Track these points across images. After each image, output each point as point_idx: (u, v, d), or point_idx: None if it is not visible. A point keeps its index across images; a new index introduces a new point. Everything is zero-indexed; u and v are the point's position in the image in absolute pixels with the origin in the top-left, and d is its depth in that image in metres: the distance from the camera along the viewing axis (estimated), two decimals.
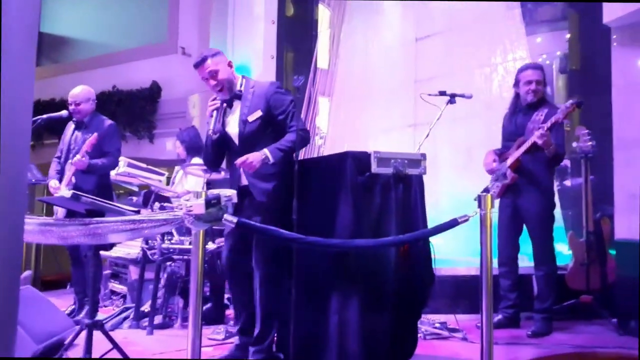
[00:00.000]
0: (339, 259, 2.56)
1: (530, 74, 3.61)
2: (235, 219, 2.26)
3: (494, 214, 2.51)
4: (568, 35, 5.15)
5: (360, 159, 2.57)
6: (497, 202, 3.71)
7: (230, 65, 2.89)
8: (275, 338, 2.85)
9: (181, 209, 2.24)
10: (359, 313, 2.51)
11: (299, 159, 2.71)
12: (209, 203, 2.19)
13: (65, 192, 3.38)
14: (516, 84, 3.71)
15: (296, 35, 6.18)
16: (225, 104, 2.85)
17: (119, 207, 2.54)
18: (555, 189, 4.86)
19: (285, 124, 2.80)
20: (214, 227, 3.63)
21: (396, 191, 2.62)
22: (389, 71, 5.70)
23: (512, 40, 5.07)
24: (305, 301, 2.65)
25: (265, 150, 2.74)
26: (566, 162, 4.99)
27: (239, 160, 2.75)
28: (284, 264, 2.72)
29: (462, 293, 3.93)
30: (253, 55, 5.60)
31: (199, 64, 2.84)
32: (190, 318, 2.17)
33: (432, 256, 2.75)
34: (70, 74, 7.36)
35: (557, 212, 4.66)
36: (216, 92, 2.87)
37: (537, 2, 6.06)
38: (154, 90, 6.73)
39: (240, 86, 2.89)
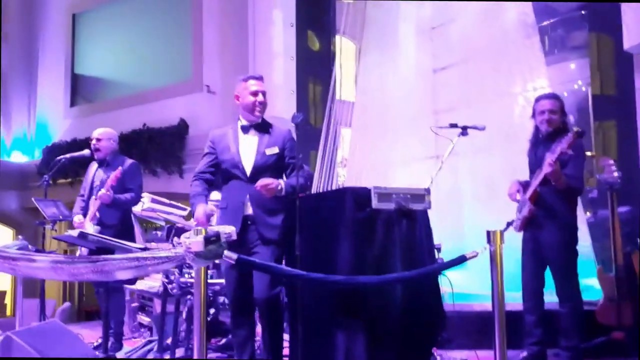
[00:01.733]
0: (342, 295, 2.54)
1: (543, 103, 3.56)
2: (235, 256, 2.28)
3: (508, 249, 2.45)
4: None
5: (360, 195, 2.56)
6: (521, 234, 3.63)
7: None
8: None
9: (182, 246, 2.28)
10: (366, 350, 2.48)
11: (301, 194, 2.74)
12: (208, 240, 2.22)
13: (86, 226, 3.50)
14: (533, 114, 3.66)
15: (319, 68, 6.32)
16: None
17: (125, 244, 2.61)
18: (586, 221, 4.70)
19: (293, 168, 2.92)
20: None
21: (399, 227, 2.59)
22: (408, 103, 5.71)
23: (531, 69, 5.00)
24: (313, 338, 2.63)
25: (282, 182, 2.83)
26: (594, 193, 4.83)
27: (260, 182, 2.79)
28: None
29: (486, 328, 3.79)
30: (274, 90, 5.72)
31: (259, 78, 3.02)
32: (195, 353, 2.19)
33: (442, 292, 2.70)
34: (104, 113, 7.68)
35: (588, 245, 4.49)
36: (257, 109, 2.97)
37: (569, 29, 5.98)
38: (182, 127, 6.94)
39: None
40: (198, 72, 6.99)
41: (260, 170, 2.89)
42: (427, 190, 2.71)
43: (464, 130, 3.55)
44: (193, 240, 2.25)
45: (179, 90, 7.17)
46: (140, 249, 2.82)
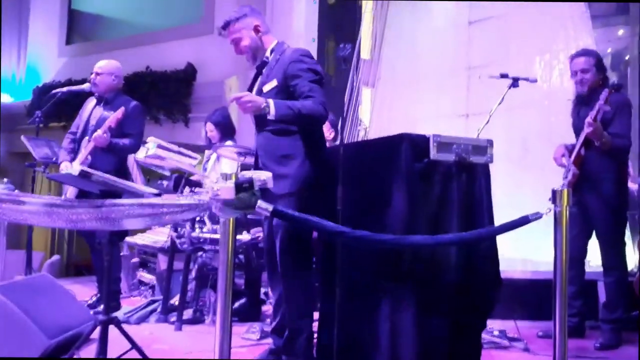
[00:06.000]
0: (390, 256, 2.24)
1: (575, 62, 3.36)
2: (270, 207, 1.95)
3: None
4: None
5: (418, 144, 2.23)
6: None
7: (257, 29, 2.59)
8: (315, 342, 2.56)
9: (208, 193, 1.95)
10: (414, 320, 2.20)
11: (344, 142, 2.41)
12: (239, 187, 1.88)
13: (75, 168, 3.10)
14: (571, 74, 3.44)
15: (339, 20, 5.91)
16: None
17: (137, 187, 2.26)
18: None
19: (300, 93, 2.43)
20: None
21: (458, 182, 2.28)
22: (439, 57, 5.33)
23: (575, 26, 4.67)
24: (352, 304, 2.35)
25: (270, 101, 2.38)
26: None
27: (234, 95, 2.43)
28: (308, 256, 2.49)
29: (520, 298, 3.61)
30: (293, 37, 5.31)
31: (223, 28, 2.62)
32: (218, 317, 1.88)
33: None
34: (103, 53, 7.20)
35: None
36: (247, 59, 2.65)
37: None
38: (189, 73, 6.55)
39: (271, 52, 2.59)
40: (209, 13, 6.53)
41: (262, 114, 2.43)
42: (490, 142, 2.40)
43: (515, 82, 3.30)
44: (222, 187, 1.92)
45: (188, 32, 6.70)
46: (154, 194, 2.47)
